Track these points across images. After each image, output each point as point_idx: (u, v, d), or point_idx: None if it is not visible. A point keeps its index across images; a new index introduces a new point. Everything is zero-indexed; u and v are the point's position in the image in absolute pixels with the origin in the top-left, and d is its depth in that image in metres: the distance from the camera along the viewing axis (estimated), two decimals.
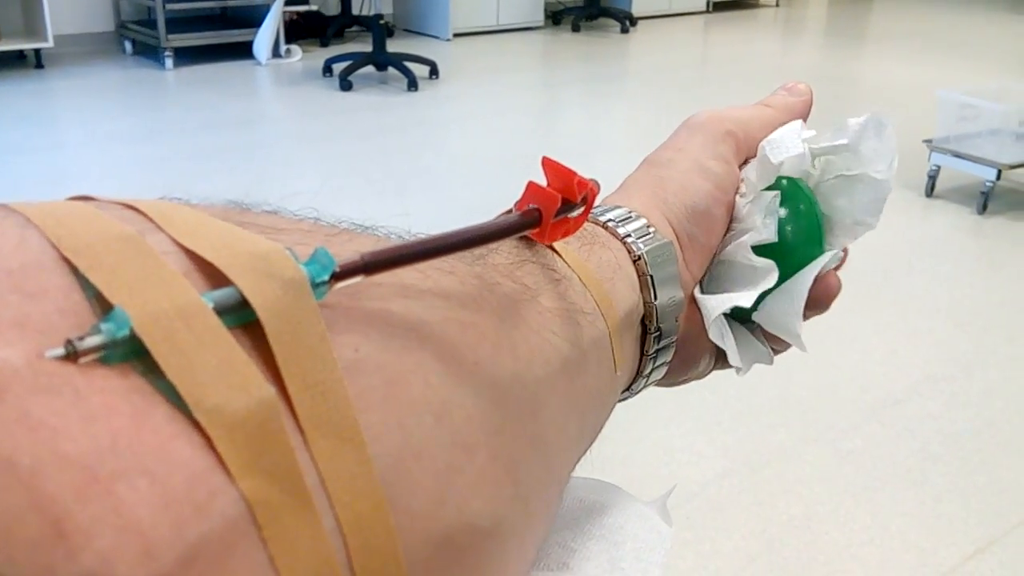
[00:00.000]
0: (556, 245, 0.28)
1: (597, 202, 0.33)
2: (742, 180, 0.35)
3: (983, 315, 2.20)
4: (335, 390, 0.17)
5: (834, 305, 0.35)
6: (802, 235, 0.34)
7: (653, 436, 1.71)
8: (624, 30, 6.00)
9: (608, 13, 6.16)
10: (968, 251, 2.59)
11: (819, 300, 0.35)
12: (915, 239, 2.65)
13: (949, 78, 4.79)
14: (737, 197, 0.34)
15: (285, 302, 0.17)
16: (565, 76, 4.86)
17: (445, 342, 0.21)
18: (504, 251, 0.26)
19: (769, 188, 0.34)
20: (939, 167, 2.96)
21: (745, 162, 0.36)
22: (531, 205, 0.26)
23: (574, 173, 0.26)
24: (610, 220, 0.32)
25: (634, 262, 0.30)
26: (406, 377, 0.19)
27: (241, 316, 0.17)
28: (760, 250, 0.33)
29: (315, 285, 0.18)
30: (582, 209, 0.27)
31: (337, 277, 0.19)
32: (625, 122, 3.98)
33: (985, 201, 2.85)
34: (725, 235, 0.34)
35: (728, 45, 5.75)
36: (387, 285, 0.21)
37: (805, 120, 0.37)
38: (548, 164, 0.27)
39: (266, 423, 0.16)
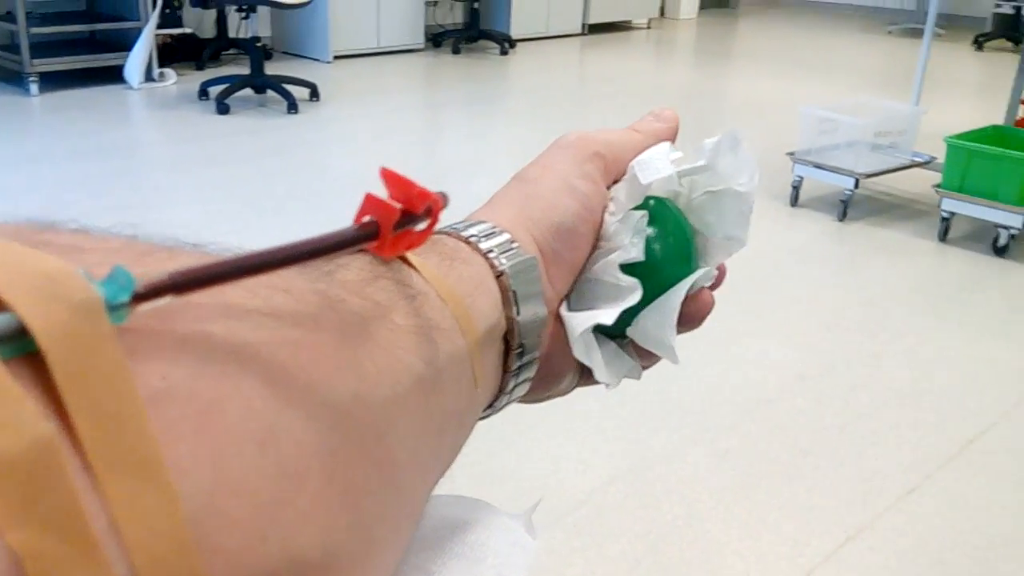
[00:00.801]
0: (414, 260, 0.27)
1: (465, 217, 0.33)
2: (611, 199, 0.35)
3: (846, 316, 2.33)
4: (133, 423, 0.16)
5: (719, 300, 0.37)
6: (671, 253, 0.35)
7: (540, 448, 1.74)
8: (503, 52, 6.10)
9: (487, 35, 6.25)
10: (831, 256, 2.73)
11: (692, 316, 0.35)
12: (782, 246, 2.78)
13: (811, 93, 5.06)
14: (606, 216, 0.35)
15: (73, 327, 0.16)
16: (446, 97, 4.90)
17: (273, 364, 0.19)
18: (355, 267, 0.25)
19: (638, 208, 0.35)
20: (802, 178, 3.12)
21: (615, 183, 0.36)
22: (368, 217, 0.24)
23: (414, 184, 0.26)
24: (473, 235, 0.31)
25: (497, 277, 0.30)
26: (223, 404, 0.18)
27: (20, 345, 0.15)
28: (630, 268, 0.33)
29: (112, 308, 0.16)
30: (427, 222, 0.26)
31: (140, 298, 0.17)
32: (506, 141, 4.04)
33: (845, 209, 3.02)
34: (593, 253, 0.35)
35: (604, 65, 5.91)
36: (207, 306, 0.19)
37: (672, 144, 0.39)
38: (387, 176, 0.26)
39: (42, 465, 0.14)
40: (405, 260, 0.27)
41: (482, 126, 4.25)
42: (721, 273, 0.37)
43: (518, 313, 0.30)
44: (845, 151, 3.13)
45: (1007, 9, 7.24)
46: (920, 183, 3.28)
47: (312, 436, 0.19)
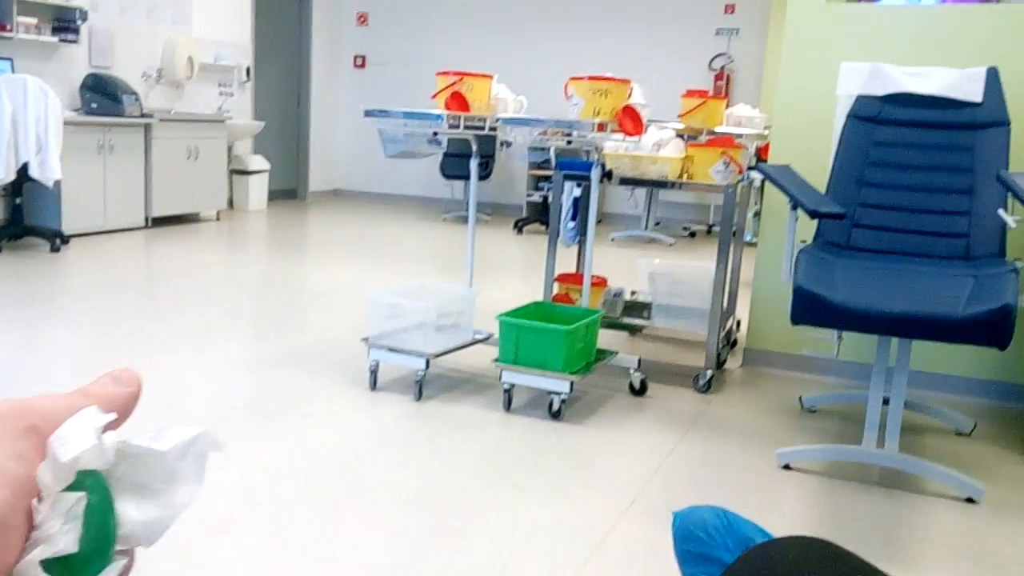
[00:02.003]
0: None
1: None
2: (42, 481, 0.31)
3: (430, 495, 2.38)
4: None
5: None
6: (93, 542, 0.31)
7: None
8: (55, 248, 5.62)
9: (34, 231, 5.74)
10: (412, 436, 2.81)
11: None
12: (365, 432, 2.81)
13: (382, 278, 5.34)
14: (34, 502, 0.31)
15: None
16: None
17: None
18: None
19: (70, 488, 0.31)
20: (378, 362, 3.22)
21: None
22: None
23: None
24: None
25: None
26: None
27: None
28: (62, 561, 0.30)
29: None
30: None
31: None
32: (65, 346, 3.65)
33: (420, 388, 3.15)
34: (25, 544, 0.30)
35: (172, 260, 5.71)
36: None
37: (127, 414, 0.35)
38: None
39: None
40: None
41: (32, 331, 3.80)
42: (129, 565, 0.34)
43: None
44: (414, 333, 3.30)
45: (536, 198, 8.43)
46: (483, 358, 3.56)
47: None
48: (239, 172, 8.46)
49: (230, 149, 8.42)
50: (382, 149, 3.45)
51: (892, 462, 2.61)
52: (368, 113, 3.17)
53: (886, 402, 2.65)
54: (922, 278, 2.60)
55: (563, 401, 3.01)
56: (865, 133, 3.05)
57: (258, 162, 8.57)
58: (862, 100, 3.09)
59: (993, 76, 2.99)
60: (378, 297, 3.29)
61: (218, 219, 7.71)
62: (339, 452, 2.62)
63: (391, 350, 3.20)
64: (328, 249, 6.51)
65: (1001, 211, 2.74)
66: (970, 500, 2.51)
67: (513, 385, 3.10)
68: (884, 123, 3.06)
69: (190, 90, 8.07)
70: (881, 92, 3.07)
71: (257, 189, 8.57)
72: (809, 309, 2.37)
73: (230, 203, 8.49)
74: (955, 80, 3.00)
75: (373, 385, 3.23)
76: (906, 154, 3.01)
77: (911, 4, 3.50)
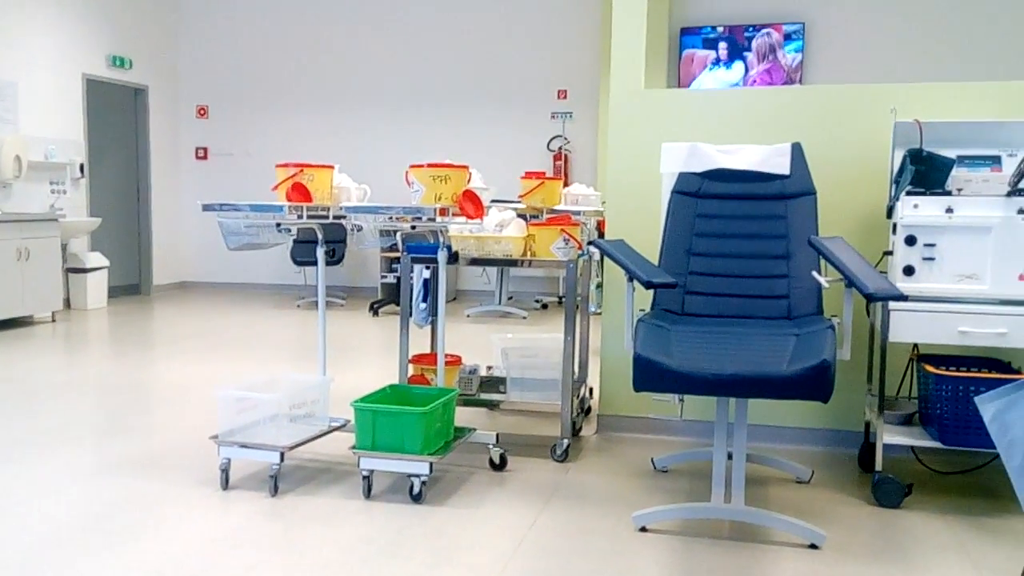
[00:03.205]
0: None
1: None
2: None
3: None
4: None
5: None
6: None
7: None
8: None
9: None
10: (268, 535, 2.73)
11: None
12: (218, 534, 2.70)
13: (235, 371, 5.19)
14: None
15: None
16: None
17: None
18: None
19: None
20: (229, 459, 3.12)
21: None
22: None
23: None
24: None
25: None
26: None
27: None
28: None
29: None
30: None
31: None
32: None
33: (275, 483, 3.07)
34: None
35: (3, 365, 5.36)
36: None
37: None
38: None
39: None
40: None
41: None
42: None
43: None
44: (267, 426, 3.23)
45: (390, 279, 8.45)
46: (341, 445, 3.51)
47: None
48: (76, 270, 8.09)
49: (65, 247, 8.05)
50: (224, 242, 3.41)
51: (739, 516, 2.75)
52: (207, 207, 3.14)
53: (731, 456, 2.80)
54: (750, 339, 2.78)
55: (423, 483, 3.00)
56: (689, 207, 3.27)
57: (96, 259, 8.23)
58: (684, 177, 3.32)
59: (798, 150, 3.28)
60: (227, 392, 3.21)
61: (53, 320, 7.31)
62: (190, 561, 2.51)
63: (243, 446, 3.12)
64: (176, 344, 6.28)
65: (815, 273, 2.99)
66: (813, 546, 2.66)
67: (372, 471, 3.07)
68: (705, 197, 3.29)
69: (19, 189, 7.72)
70: (700, 169, 3.31)
71: (96, 287, 8.21)
72: (648, 376, 2.50)
73: (67, 303, 8.08)
74: (765, 155, 3.28)
75: (225, 484, 3.12)
76: (728, 224, 3.24)
77: (722, 88, 3.81)
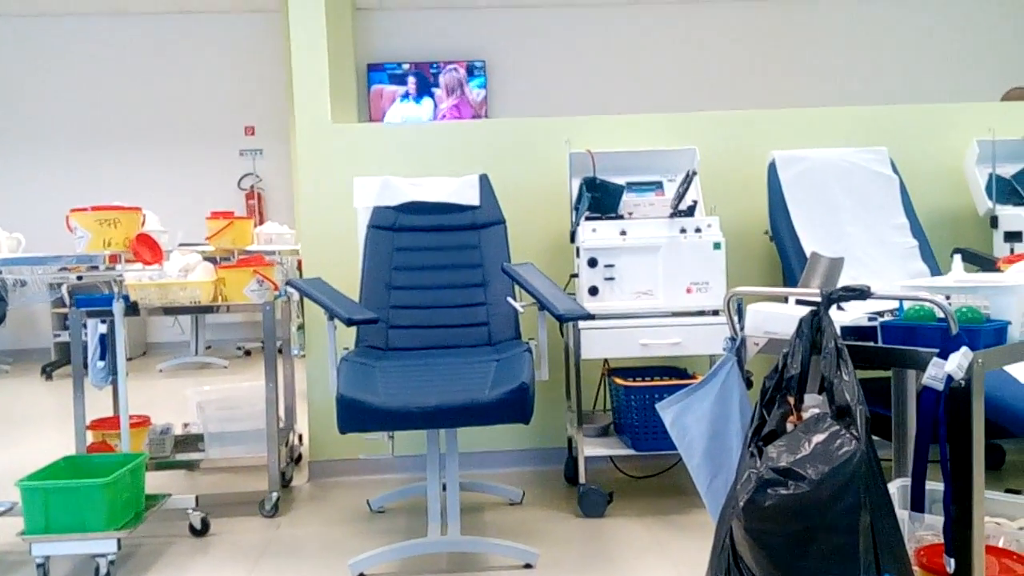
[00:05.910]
0: None
1: None
2: None
3: None
4: None
5: None
6: None
7: None
8: None
9: None
10: None
11: None
12: None
13: None
14: None
15: None
16: None
17: None
18: None
19: None
20: None
21: None
22: None
23: None
24: None
25: None
26: None
27: None
28: None
29: None
30: None
31: None
32: None
33: None
34: None
35: None
36: None
37: None
38: None
39: None
40: None
41: None
42: None
43: None
44: None
45: (65, 338, 7.61)
46: (8, 533, 3.05)
47: None
48: None
49: None
50: None
51: (456, 546, 2.73)
52: None
53: (446, 488, 2.78)
54: (454, 369, 2.80)
55: (111, 563, 2.68)
56: (386, 240, 3.25)
57: None
58: (378, 211, 3.29)
59: (485, 181, 3.38)
60: None
61: None
62: None
63: None
64: None
65: (510, 299, 3.08)
66: (528, 566, 2.71)
67: (48, 557, 2.69)
68: (401, 230, 3.29)
69: None
70: (393, 202, 3.30)
71: None
72: (353, 416, 2.41)
73: None
74: (455, 187, 3.34)
75: None
76: (425, 256, 3.25)
77: (412, 122, 3.85)
